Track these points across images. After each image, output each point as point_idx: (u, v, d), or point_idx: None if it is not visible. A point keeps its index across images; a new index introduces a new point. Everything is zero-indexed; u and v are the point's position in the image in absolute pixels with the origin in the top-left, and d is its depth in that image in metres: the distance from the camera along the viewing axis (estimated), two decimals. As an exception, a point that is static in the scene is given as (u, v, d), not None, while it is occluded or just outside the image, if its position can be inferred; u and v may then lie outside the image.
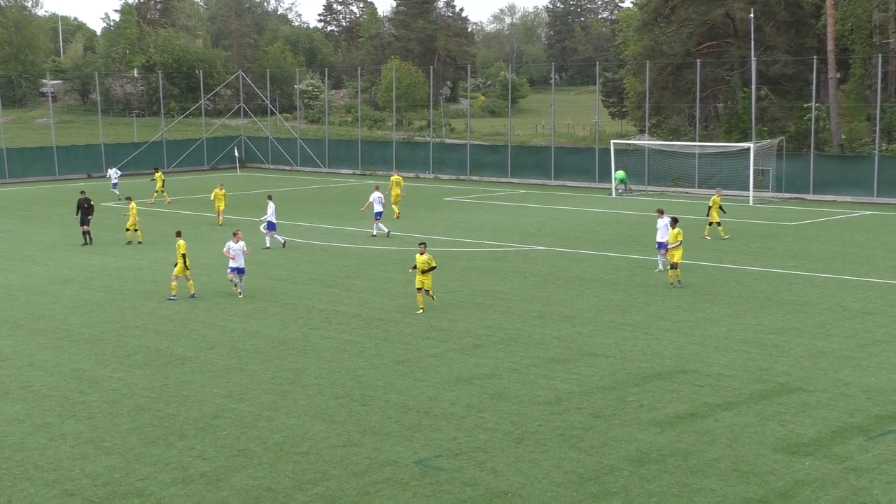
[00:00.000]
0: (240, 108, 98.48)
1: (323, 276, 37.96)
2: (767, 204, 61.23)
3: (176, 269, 34.17)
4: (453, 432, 20.65)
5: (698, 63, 72.38)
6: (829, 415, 21.49)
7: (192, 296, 34.13)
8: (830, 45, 69.01)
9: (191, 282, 34.48)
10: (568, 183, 73.86)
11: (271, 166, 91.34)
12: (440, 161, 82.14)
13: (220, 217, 52.86)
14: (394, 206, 55.45)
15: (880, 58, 65.48)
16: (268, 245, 44.74)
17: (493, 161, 79.63)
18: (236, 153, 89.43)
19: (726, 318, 30.32)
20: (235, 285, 34.46)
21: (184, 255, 33.96)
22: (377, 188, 50.34)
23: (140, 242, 46.42)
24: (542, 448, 19.66)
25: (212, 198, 53.49)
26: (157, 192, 64.27)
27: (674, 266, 34.85)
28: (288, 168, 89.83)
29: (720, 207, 46.48)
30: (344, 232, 49.90)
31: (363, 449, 19.75)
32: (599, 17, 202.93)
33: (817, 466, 18.56)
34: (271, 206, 45.55)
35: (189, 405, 22.61)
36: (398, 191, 56.70)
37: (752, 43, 71.39)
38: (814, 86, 68.20)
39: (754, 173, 62.21)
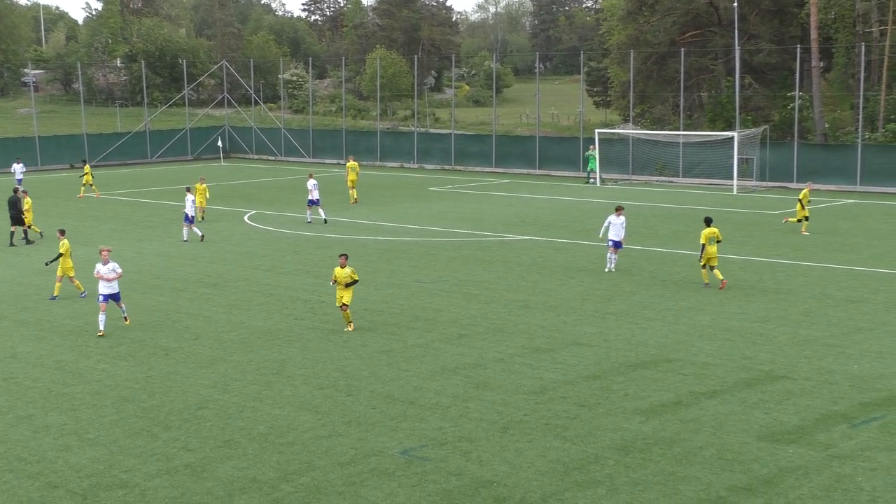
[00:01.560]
0: (224, 97, 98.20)
1: (307, 267, 37.91)
2: (751, 193, 61.37)
3: (59, 269, 32.84)
4: (438, 422, 20.66)
5: (682, 52, 72.46)
6: (812, 402, 21.57)
7: (83, 294, 33.14)
8: (814, 34, 69.20)
9: (76, 281, 33.50)
10: (552, 172, 73.89)
11: (255, 156, 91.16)
12: (425, 151, 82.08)
13: (202, 213, 50.63)
14: (351, 192, 58.28)
15: (863, 47, 65.63)
16: (185, 238, 44.23)
17: (478, 151, 79.61)
18: (220, 143, 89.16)
19: (710, 307, 30.40)
20: (125, 318, 29.18)
21: (63, 255, 32.90)
22: (311, 175, 51.39)
23: (41, 234, 45.69)
24: (526, 437, 19.68)
25: (193, 194, 51.51)
26: (84, 186, 62.25)
27: (711, 267, 32.92)
28: (272, 158, 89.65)
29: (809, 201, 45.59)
30: (328, 222, 49.80)
31: (348, 439, 19.74)
32: (583, 6, 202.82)
33: (801, 454, 18.63)
34: (189, 198, 44.98)
35: (173, 396, 22.56)
36: (354, 176, 58.80)
37: (736, 32, 71.53)
38: (797, 75, 68.28)
39: (738, 162, 62.35)
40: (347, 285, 27.79)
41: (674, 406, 21.48)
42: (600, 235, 36.59)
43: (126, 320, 29.05)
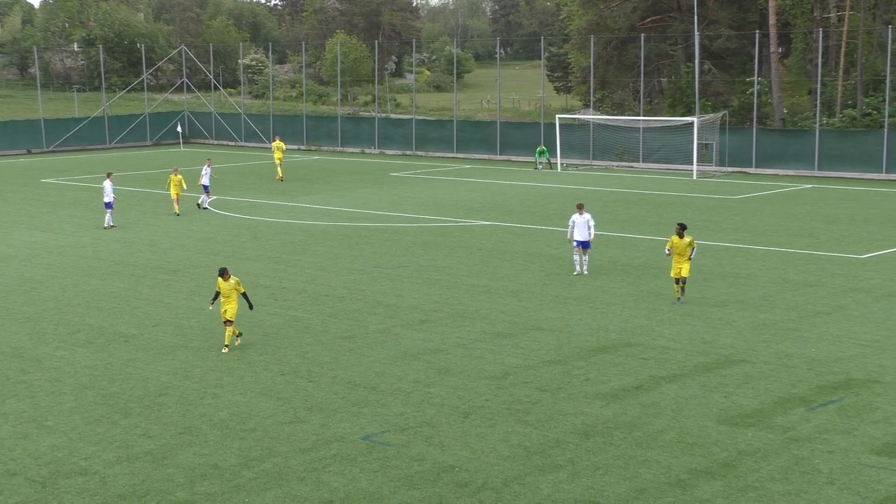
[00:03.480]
0: (183, 83, 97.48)
1: (268, 252, 37.77)
2: (711, 178, 61.70)
3: None
4: (400, 407, 20.66)
5: (642, 37, 72.66)
6: (771, 386, 21.74)
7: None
8: (772, 20, 69.58)
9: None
10: (513, 158, 73.97)
11: (215, 142, 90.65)
12: (385, 136, 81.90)
13: (177, 205, 47.46)
14: (278, 169, 63.17)
15: (821, 32, 66.03)
16: (107, 224, 43.81)
17: (439, 136, 79.54)
18: (179, 129, 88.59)
19: (671, 292, 30.54)
20: None
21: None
22: (209, 161, 51.53)
23: None
24: (488, 422, 19.72)
25: (167, 186, 48.24)
26: None
27: (682, 280, 28.92)
28: (232, 143, 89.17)
29: None
30: (288, 208, 49.66)
31: (310, 425, 19.71)
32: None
33: (760, 437, 18.78)
34: (108, 185, 44.23)
35: (133, 383, 22.43)
36: (280, 154, 63.71)
37: (696, 17, 71.85)
38: (756, 60, 68.73)
39: (698, 147, 62.66)
40: (251, 306, 25.27)
41: (634, 390, 21.59)
42: (568, 238, 33.48)
43: None
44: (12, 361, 24.34)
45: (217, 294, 25.02)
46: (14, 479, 17.31)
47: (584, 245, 33.01)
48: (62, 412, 20.69)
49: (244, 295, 24.94)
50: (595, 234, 33.47)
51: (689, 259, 28.75)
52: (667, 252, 29.11)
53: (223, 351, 24.76)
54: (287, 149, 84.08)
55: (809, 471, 17.22)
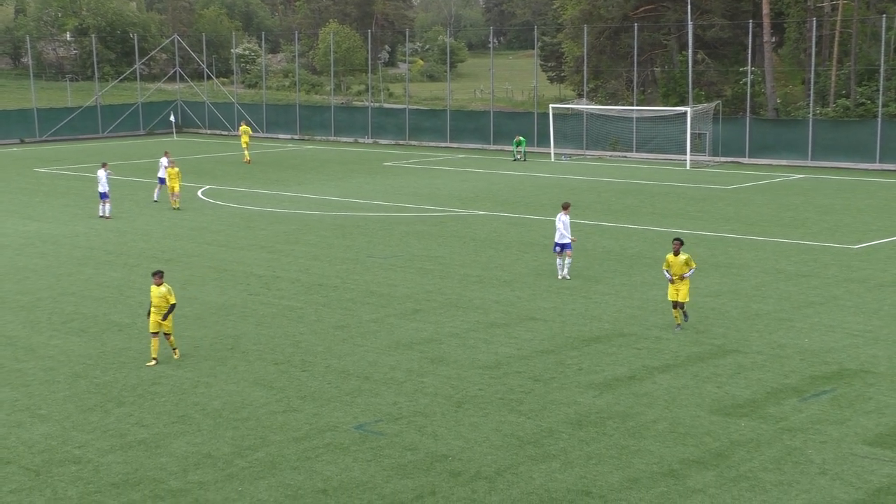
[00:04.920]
0: (175, 72, 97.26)
1: (262, 242, 37.75)
2: (704, 168, 61.73)
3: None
4: (393, 397, 20.69)
5: (636, 27, 72.59)
6: (764, 376, 21.78)
7: None
8: (766, 9, 69.56)
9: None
10: (507, 147, 73.82)
11: (208, 131, 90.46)
12: (379, 126, 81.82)
13: (175, 200, 45.95)
14: (245, 152, 66.90)
15: (815, 22, 66.08)
16: (103, 214, 43.55)
17: (432, 126, 79.46)
18: (172, 118, 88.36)
19: (664, 282, 30.45)
20: None
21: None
22: (166, 153, 50.53)
23: None
24: (482, 412, 19.75)
25: (167, 179, 46.60)
26: None
27: (680, 305, 25.35)
28: (225, 133, 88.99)
29: None
30: (282, 197, 49.63)
31: (303, 414, 19.73)
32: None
33: (752, 427, 18.83)
34: (103, 174, 43.88)
35: (127, 372, 22.43)
36: (246, 138, 67.74)
37: (689, 7, 71.80)
38: (749, 50, 68.67)
39: (691, 137, 62.69)
40: (166, 315, 22.95)
41: (627, 380, 21.62)
42: (556, 248, 31.16)
43: None
44: (6, 350, 24.33)
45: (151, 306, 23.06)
46: (8, 468, 17.31)
47: (567, 247, 30.90)
48: (56, 401, 20.69)
49: (172, 306, 22.89)
50: (592, 225, 33.38)
51: (685, 279, 25.11)
52: (667, 275, 25.37)
53: (148, 364, 22.83)
54: (280, 139, 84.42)
55: (802, 461, 17.27)
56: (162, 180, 48.58)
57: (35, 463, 17.53)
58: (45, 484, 16.66)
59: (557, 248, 30.99)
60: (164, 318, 22.83)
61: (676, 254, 25.17)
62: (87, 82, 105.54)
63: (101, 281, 31.52)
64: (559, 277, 30.99)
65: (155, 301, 22.85)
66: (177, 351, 23.52)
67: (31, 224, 42.40)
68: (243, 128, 69.46)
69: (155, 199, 48.33)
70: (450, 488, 16.30)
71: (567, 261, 31.00)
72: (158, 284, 22.85)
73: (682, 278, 25.09)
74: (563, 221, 30.66)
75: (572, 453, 17.66)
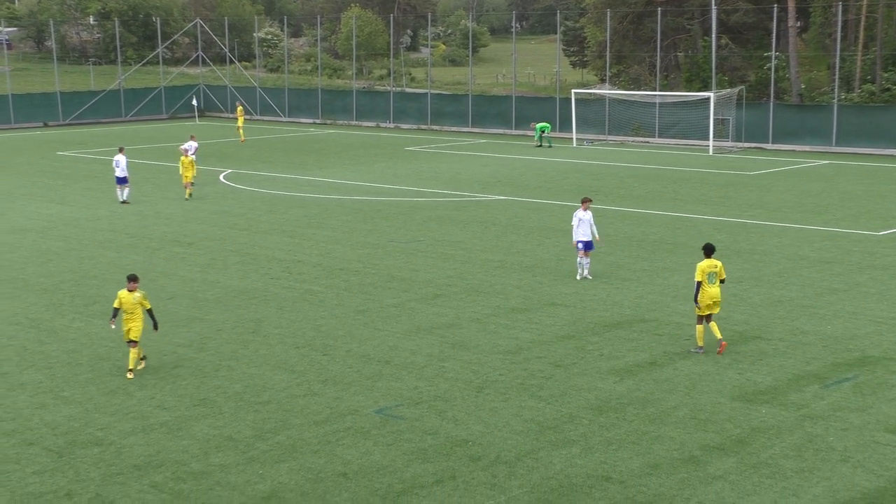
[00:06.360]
0: (198, 56, 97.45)
1: (283, 226, 37.84)
2: (727, 153, 61.47)
3: None
4: (414, 381, 20.73)
5: (659, 12, 72.28)
6: (785, 363, 21.72)
7: None
8: (791, -6, 69.15)
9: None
10: (529, 133, 73.72)
11: (230, 115, 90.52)
12: (401, 110, 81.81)
13: (188, 189, 44.73)
14: (240, 131, 70.77)
15: (840, 6, 65.60)
16: (123, 199, 43.37)
17: (454, 110, 79.37)
18: (195, 102, 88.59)
19: (685, 268, 30.49)
20: None
21: None
22: (192, 137, 51.22)
23: None
24: (502, 397, 19.77)
25: (181, 170, 45.44)
26: None
27: (708, 318, 22.54)
28: (247, 117, 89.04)
29: None
30: (304, 181, 49.71)
31: (324, 398, 19.79)
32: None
33: (773, 414, 18.79)
34: (122, 159, 43.36)
35: (149, 355, 22.52)
36: (241, 121, 72.01)
37: (713, -8, 71.40)
38: (774, 35, 68.25)
39: (714, 123, 62.39)
40: (155, 326, 21.69)
41: (648, 366, 21.60)
42: (574, 241, 29.36)
43: None
44: (29, 332, 24.49)
45: (116, 311, 21.34)
46: (31, 449, 17.44)
47: (588, 246, 29.16)
48: (78, 383, 20.81)
49: (149, 312, 21.39)
50: (614, 210, 33.21)
51: (717, 285, 22.35)
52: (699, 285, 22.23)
53: (127, 376, 21.08)
54: (302, 123, 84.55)
55: (823, 448, 17.22)
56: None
57: (58, 444, 17.65)
58: (67, 465, 16.78)
59: (581, 245, 29.00)
60: (156, 327, 21.53)
61: (708, 256, 22.45)
62: (110, 66, 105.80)
63: (123, 264, 31.65)
64: (578, 278, 29.05)
65: (128, 308, 20.99)
66: (143, 362, 21.62)
67: (53, 207, 42.61)
68: (239, 109, 73.70)
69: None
70: (470, 473, 16.34)
71: (586, 261, 29.14)
72: (132, 290, 21.09)
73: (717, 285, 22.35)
74: (579, 219, 28.80)
75: (592, 439, 17.67)
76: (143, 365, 21.63)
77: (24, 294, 28.19)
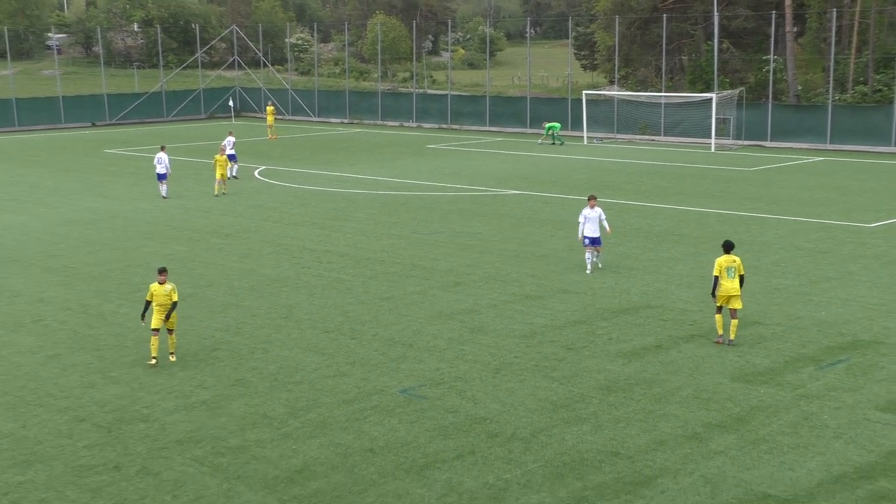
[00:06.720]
0: (234, 60, 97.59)
1: (313, 219, 37.91)
2: (728, 150, 61.23)
3: None
4: (436, 363, 20.77)
5: (664, 18, 71.97)
6: (782, 346, 21.68)
7: None
8: (788, 1, 68.73)
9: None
10: (542, 131, 73.61)
11: (264, 115, 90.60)
12: (423, 110, 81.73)
13: (218, 186, 43.98)
14: (269, 129, 71.69)
15: (835, 12, 65.17)
16: (164, 194, 43.31)
17: (473, 110, 79.24)
18: (231, 103, 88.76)
19: (689, 258, 30.45)
20: None
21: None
22: (231, 133, 51.89)
23: None
24: (518, 378, 19.80)
25: (214, 165, 44.43)
26: None
27: (732, 313, 21.88)
28: (280, 117, 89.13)
29: None
30: (332, 177, 49.77)
31: (352, 379, 19.86)
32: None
33: (771, 394, 18.76)
34: (162, 158, 43.28)
35: (190, 338, 22.64)
36: (272, 120, 72.98)
37: (715, -1, 71.08)
38: (772, 39, 67.91)
39: (716, 122, 62.14)
40: (168, 315, 20.83)
41: (654, 349, 21.59)
42: (579, 237, 28.67)
43: None
44: (80, 317, 24.64)
45: (148, 304, 20.90)
46: (82, 425, 17.58)
47: (596, 242, 28.36)
48: (125, 364, 20.94)
49: (174, 304, 20.82)
50: (622, 204, 33.08)
51: (736, 279, 21.69)
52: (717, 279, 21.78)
53: (150, 363, 20.85)
54: (332, 122, 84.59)
55: (818, 425, 17.20)
56: (233, 157, 48.87)
57: (107, 421, 17.78)
58: (116, 440, 16.91)
59: (587, 241, 28.31)
60: (167, 317, 20.72)
61: (727, 252, 21.85)
62: (152, 70, 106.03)
63: (165, 254, 31.79)
64: (587, 272, 28.30)
65: (159, 300, 20.69)
66: (174, 355, 21.12)
67: (101, 201, 42.80)
68: (270, 108, 74.42)
69: (235, 174, 48.71)
70: (488, 448, 16.38)
71: (593, 257, 28.46)
72: (162, 283, 20.70)
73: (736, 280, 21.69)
74: (585, 216, 27.99)
75: (602, 417, 17.68)
76: (173, 358, 21.01)
77: (75, 282, 28.36)
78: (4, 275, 29.26)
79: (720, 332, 22.01)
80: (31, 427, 17.56)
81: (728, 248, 21.94)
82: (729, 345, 21.66)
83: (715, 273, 21.74)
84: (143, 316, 21.11)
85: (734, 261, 21.69)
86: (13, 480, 15.46)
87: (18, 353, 21.89)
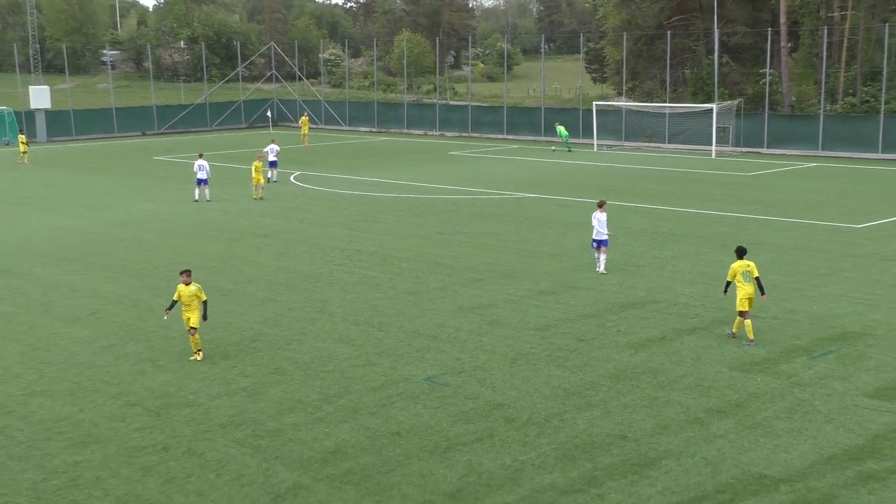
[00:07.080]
0: (272, 74, 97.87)
1: (344, 220, 37.96)
2: (727, 157, 60.96)
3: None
4: (457, 353, 20.78)
5: (669, 34, 71.70)
6: (777, 338, 21.58)
7: None
8: (783, 19, 68.43)
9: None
10: (556, 139, 73.38)
11: (300, 125, 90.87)
12: (445, 120, 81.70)
13: (256, 191, 43.72)
14: (304, 137, 73.35)
15: (826, 30, 64.86)
16: (196, 198, 43.19)
17: (492, 120, 79.15)
18: (269, 114, 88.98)
19: (692, 256, 30.36)
20: None
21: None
22: (273, 140, 52.27)
23: None
24: (533, 367, 19.79)
25: (253, 172, 43.93)
26: (22, 153, 60.45)
27: (743, 314, 21.24)
28: (314, 126, 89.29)
29: None
30: (361, 182, 49.82)
31: (380, 368, 19.89)
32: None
33: (767, 382, 18.69)
34: (203, 164, 42.88)
35: (231, 330, 22.73)
36: (306, 129, 74.65)
37: (715, 16, 70.76)
38: (768, 54, 67.60)
39: (716, 130, 61.89)
40: (205, 317, 20.59)
41: (659, 341, 21.53)
42: (593, 244, 28.47)
43: None
44: (131, 310, 24.77)
45: (174, 303, 20.50)
46: (134, 409, 17.68)
47: (604, 243, 28.11)
48: (172, 354, 21.04)
49: (204, 304, 20.40)
50: (630, 206, 32.99)
51: (752, 283, 21.06)
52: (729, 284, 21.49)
53: (197, 358, 20.50)
54: (361, 131, 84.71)
55: (810, 411, 17.13)
56: (274, 163, 49.03)
57: (156, 405, 17.88)
58: (164, 423, 17.00)
59: (594, 245, 28.28)
60: (205, 318, 20.49)
61: (740, 257, 21.39)
62: (197, 83, 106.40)
63: (208, 252, 31.92)
64: (597, 271, 27.98)
65: (185, 300, 20.18)
66: (200, 353, 20.54)
67: (150, 204, 42.98)
68: (304, 119, 76.02)
69: (274, 179, 48.86)
70: (505, 432, 16.39)
71: (602, 257, 28.10)
72: (187, 283, 20.15)
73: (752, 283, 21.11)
74: (598, 219, 27.83)
75: (611, 403, 17.66)
76: (199, 357, 20.51)
77: (126, 278, 28.50)
78: (64, 272, 29.45)
79: (735, 329, 21.49)
80: (87, 411, 17.68)
81: (741, 253, 21.40)
82: (750, 344, 20.93)
83: (728, 278, 21.33)
84: (167, 310, 20.71)
85: (748, 265, 21.15)
86: (71, 460, 15.57)
87: (76, 343, 22.03)
